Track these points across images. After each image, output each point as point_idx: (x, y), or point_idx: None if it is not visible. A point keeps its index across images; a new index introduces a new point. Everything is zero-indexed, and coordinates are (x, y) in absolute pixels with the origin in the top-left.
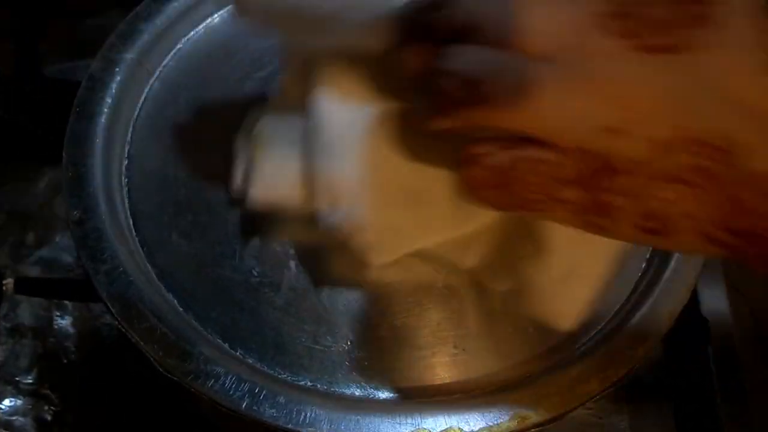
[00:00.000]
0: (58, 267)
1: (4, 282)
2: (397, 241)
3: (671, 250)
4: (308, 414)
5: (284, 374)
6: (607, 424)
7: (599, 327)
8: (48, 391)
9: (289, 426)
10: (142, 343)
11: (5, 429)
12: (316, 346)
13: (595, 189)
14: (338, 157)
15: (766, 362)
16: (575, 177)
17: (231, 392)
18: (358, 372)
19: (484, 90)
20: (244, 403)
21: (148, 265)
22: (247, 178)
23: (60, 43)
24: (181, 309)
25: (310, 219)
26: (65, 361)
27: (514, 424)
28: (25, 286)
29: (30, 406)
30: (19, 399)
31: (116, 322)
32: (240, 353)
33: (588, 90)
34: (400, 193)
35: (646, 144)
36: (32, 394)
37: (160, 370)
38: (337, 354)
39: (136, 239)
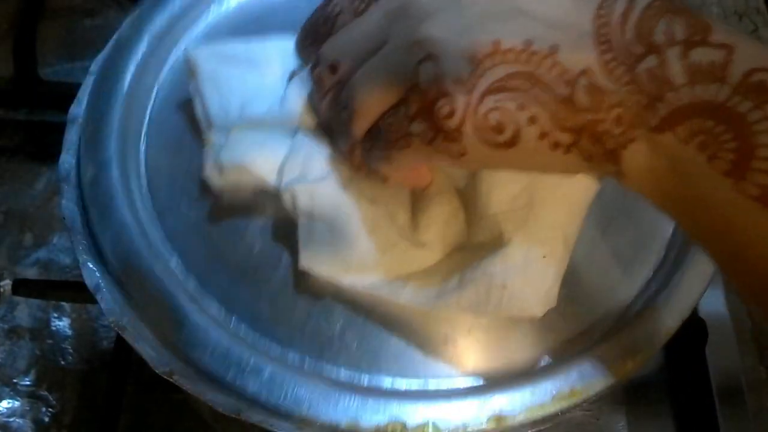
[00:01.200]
0: (55, 268)
1: (1, 283)
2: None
3: (529, 168)
4: (289, 393)
5: (274, 345)
6: (605, 424)
7: (594, 334)
8: (45, 393)
9: (270, 401)
10: (135, 314)
11: (3, 430)
12: (308, 324)
13: (436, 116)
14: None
15: (763, 363)
16: (417, 111)
17: (219, 362)
18: (346, 354)
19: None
20: (229, 374)
21: (157, 222)
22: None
23: (57, 44)
24: (183, 270)
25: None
26: (63, 362)
27: (491, 425)
28: (22, 287)
29: (28, 408)
30: (17, 400)
31: (114, 283)
32: (235, 320)
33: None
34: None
35: (466, 61)
36: (30, 395)
37: (157, 371)
38: (328, 334)
39: (150, 200)
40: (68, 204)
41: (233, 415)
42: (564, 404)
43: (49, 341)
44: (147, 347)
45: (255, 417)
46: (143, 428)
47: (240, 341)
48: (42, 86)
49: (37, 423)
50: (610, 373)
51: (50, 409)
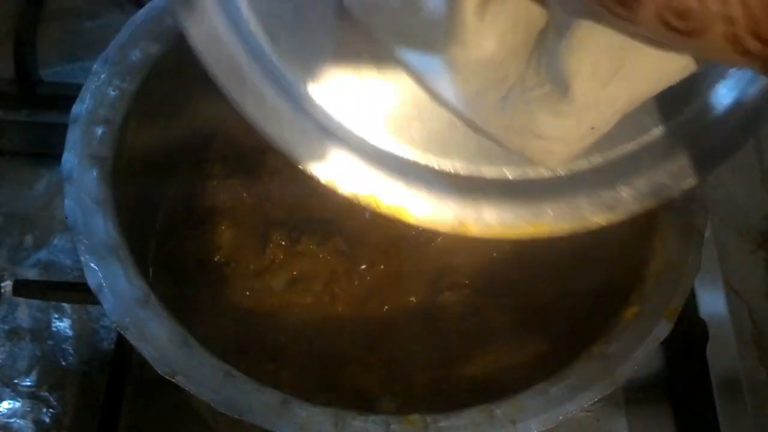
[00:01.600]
0: (56, 269)
1: (2, 284)
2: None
3: (689, 52)
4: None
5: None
6: (605, 425)
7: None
8: (46, 394)
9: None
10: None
11: (4, 431)
12: (333, 70)
13: None
14: None
15: (764, 363)
16: None
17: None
18: (354, 109)
19: None
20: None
21: None
22: None
23: (58, 45)
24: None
25: None
26: (63, 363)
27: (459, 229)
28: (23, 288)
29: (28, 409)
30: (18, 401)
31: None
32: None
33: None
34: None
35: None
36: (31, 396)
37: (158, 371)
38: (347, 81)
39: None
40: (71, 204)
41: (234, 416)
42: (532, 232)
43: (50, 342)
44: (148, 347)
45: (255, 417)
46: (143, 429)
47: (267, 72)
48: (42, 87)
49: (38, 424)
50: (590, 214)
51: (51, 410)
